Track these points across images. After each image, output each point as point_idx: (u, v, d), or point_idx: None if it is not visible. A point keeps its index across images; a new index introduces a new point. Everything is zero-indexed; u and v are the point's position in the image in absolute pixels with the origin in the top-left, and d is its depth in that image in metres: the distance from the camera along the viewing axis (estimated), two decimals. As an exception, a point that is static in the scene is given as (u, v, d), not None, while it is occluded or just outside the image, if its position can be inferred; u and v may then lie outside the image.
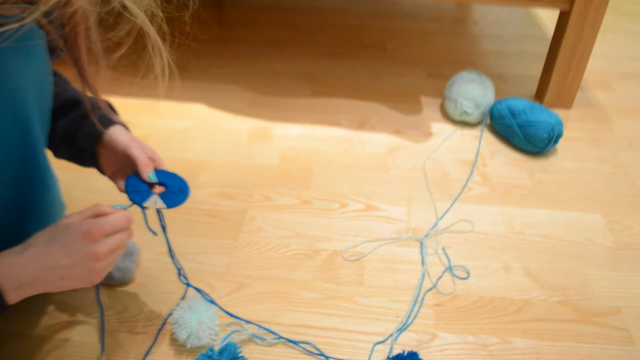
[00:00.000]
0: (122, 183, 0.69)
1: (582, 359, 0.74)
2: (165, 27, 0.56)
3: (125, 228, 0.60)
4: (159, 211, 0.69)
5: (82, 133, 0.69)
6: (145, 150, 0.70)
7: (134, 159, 0.66)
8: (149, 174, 0.66)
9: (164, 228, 0.70)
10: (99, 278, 0.59)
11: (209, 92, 1.34)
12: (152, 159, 0.70)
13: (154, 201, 0.65)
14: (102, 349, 0.73)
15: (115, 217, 0.59)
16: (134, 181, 0.66)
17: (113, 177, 0.72)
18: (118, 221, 0.59)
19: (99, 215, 0.60)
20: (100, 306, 0.78)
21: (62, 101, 0.70)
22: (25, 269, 0.55)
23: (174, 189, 0.67)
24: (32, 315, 0.78)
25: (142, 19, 0.53)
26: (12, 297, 0.55)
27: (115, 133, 0.69)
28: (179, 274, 0.78)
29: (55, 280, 0.56)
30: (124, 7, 0.51)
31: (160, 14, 0.55)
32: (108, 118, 0.70)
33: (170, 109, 1.27)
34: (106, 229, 0.58)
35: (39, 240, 0.57)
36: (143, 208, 0.65)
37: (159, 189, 0.67)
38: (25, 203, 0.66)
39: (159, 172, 0.68)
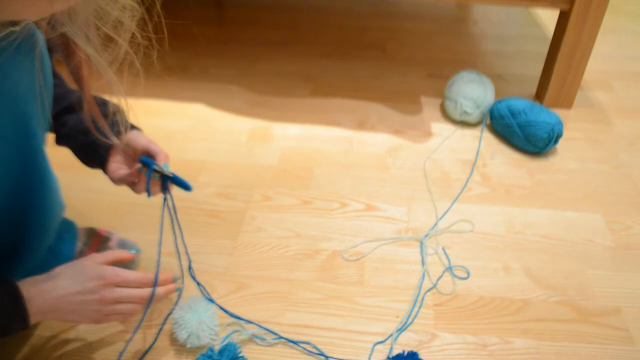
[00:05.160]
0: (121, 173, 0.73)
1: (582, 359, 0.74)
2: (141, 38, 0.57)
3: (138, 288, 0.67)
4: (165, 199, 0.72)
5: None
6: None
7: (154, 154, 0.71)
8: (165, 164, 0.71)
9: (175, 211, 0.74)
10: (105, 320, 0.66)
11: (209, 92, 1.34)
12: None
13: (162, 168, 0.70)
14: None
15: (131, 273, 0.67)
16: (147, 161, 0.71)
17: (112, 172, 0.73)
18: (131, 276, 0.66)
19: (118, 260, 0.69)
20: None
21: (77, 97, 0.70)
22: (46, 297, 0.61)
23: (180, 179, 0.72)
24: (32, 315, 0.78)
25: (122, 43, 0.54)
26: (32, 320, 0.60)
27: (137, 134, 0.73)
28: (189, 267, 0.82)
29: (67, 312, 0.63)
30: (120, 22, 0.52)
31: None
32: (127, 121, 0.73)
33: (170, 109, 1.27)
34: (117, 279, 0.65)
35: (61, 273, 0.63)
36: (151, 169, 0.69)
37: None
38: (25, 203, 0.66)
39: None
